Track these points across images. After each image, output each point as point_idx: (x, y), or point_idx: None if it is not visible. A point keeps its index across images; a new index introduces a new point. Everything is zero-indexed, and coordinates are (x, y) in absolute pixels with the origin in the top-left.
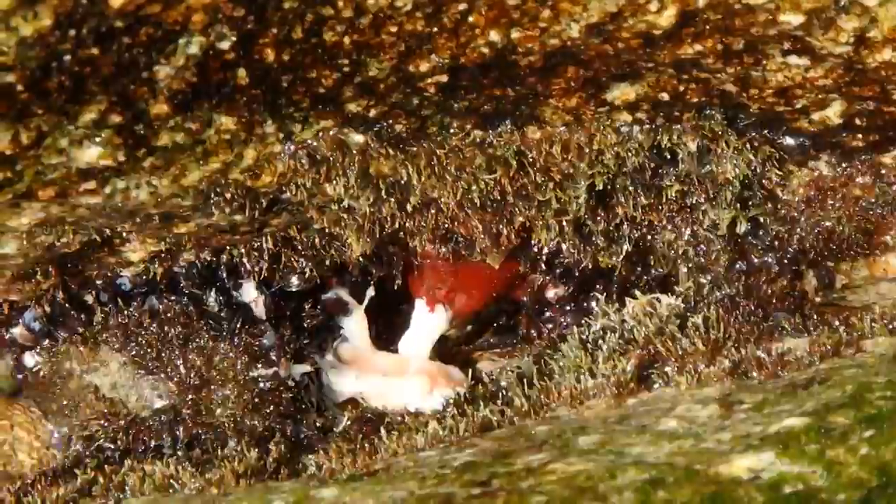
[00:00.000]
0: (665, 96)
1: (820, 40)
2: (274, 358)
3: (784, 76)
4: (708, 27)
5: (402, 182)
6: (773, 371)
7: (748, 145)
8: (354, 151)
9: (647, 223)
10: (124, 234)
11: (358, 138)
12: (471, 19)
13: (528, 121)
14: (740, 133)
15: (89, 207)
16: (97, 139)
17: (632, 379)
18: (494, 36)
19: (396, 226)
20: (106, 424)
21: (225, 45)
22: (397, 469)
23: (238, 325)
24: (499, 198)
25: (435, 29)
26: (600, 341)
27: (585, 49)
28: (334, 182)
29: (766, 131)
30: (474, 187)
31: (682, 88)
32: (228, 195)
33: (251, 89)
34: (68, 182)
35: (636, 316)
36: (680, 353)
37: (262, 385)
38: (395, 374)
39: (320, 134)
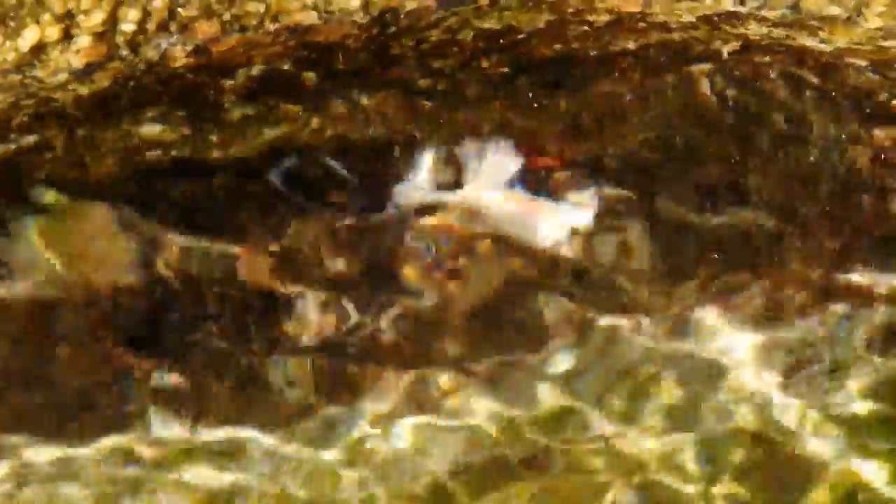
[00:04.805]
0: (738, 73)
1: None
2: None
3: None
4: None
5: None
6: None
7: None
8: (424, 110)
9: None
10: None
11: (428, 103)
12: (532, 42)
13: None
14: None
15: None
16: (161, 120)
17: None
18: (556, 45)
19: None
20: None
21: (287, 66)
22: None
23: None
24: None
25: (496, 47)
26: None
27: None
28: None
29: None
30: None
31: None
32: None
33: (319, 86)
34: (132, 150)
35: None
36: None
37: None
38: None
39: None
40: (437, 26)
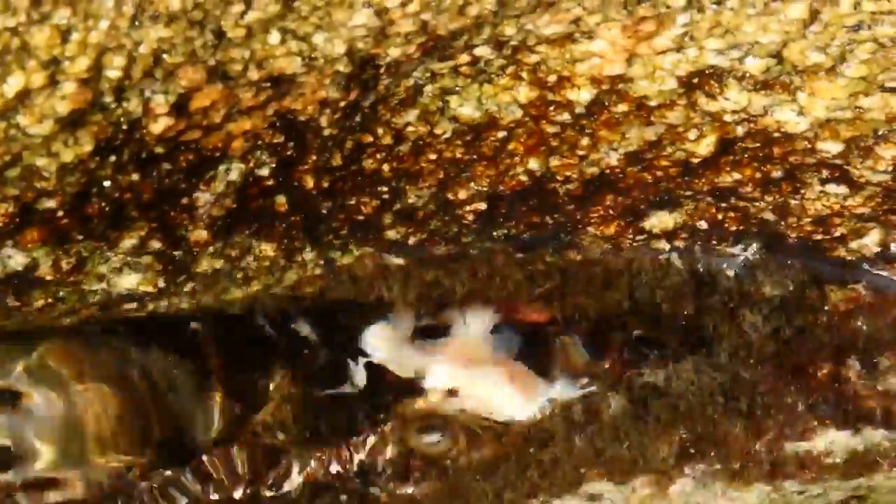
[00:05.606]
0: (703, 224)
1: (858, 168)
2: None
3: (822, 205)
4: (746, 156)
5: (445, 288)
6: (815, 476)
7: (786, 271)
8: (394, 271)
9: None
10: None
11: (399, 261)
12: (510, 147)
13: (567, 247)
14: (778, 259)
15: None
16: (137, 266)
17: (674, 463)
18: (533, 164)
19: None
20: None
21: (264, 171)
22: None
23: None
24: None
25: (474, 156)
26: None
27: (624, 177)
28: (376, 290)
29: (804, 258)
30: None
31: (720, 217)
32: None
33: (290, 216)
34: (110, 303)
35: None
36: (722, 436)
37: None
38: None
39: (360, 259)
40: (414, 104)
